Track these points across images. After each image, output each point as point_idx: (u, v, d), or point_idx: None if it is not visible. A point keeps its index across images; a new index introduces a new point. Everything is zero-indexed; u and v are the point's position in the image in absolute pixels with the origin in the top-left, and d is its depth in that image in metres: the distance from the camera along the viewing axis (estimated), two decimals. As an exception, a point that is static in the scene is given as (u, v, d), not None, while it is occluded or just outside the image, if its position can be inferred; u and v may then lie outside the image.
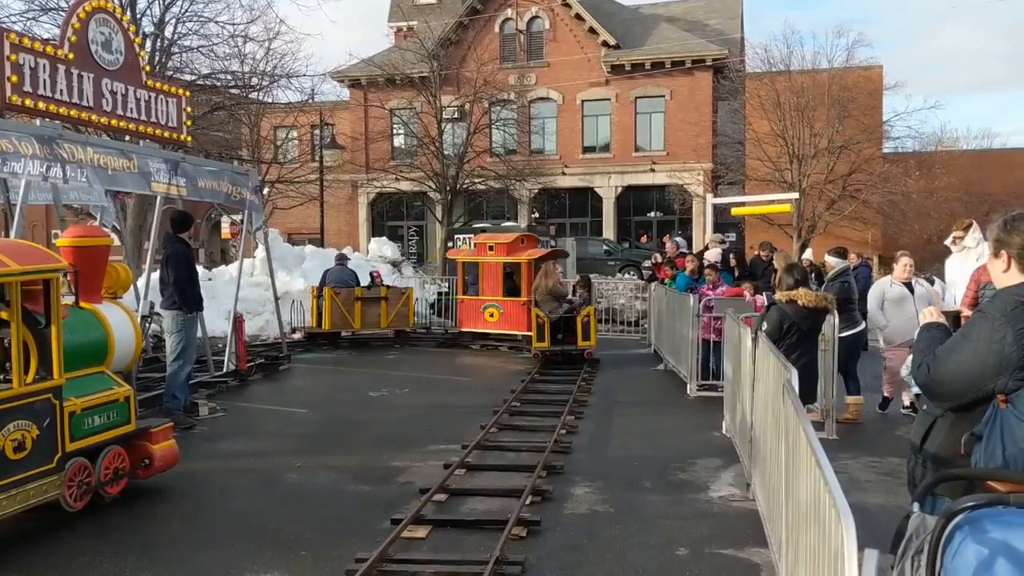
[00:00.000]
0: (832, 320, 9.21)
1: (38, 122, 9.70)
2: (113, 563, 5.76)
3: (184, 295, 10.24)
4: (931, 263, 29.93)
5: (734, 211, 28.85)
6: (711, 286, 12.52)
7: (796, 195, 29.51)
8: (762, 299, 11.82)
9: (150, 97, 11.54)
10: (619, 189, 38.04)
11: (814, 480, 3.37)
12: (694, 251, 18.60)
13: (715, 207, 25.98)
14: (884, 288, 10.22)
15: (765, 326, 7.58)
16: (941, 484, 3.14)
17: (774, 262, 12.95)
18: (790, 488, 4.28)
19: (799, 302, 7.68)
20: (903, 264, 10.21)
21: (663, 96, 37.10)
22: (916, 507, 2.97)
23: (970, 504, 2.57)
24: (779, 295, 7.96)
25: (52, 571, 5.61)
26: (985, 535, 2.45)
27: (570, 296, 15.33)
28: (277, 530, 6.41)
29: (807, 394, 7.86)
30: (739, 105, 36.26)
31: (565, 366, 13.98)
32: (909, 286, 10.08)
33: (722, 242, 16.02)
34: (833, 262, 10.54)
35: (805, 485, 3.68)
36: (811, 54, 36.19)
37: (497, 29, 38.64)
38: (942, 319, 3.68)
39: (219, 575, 5.58)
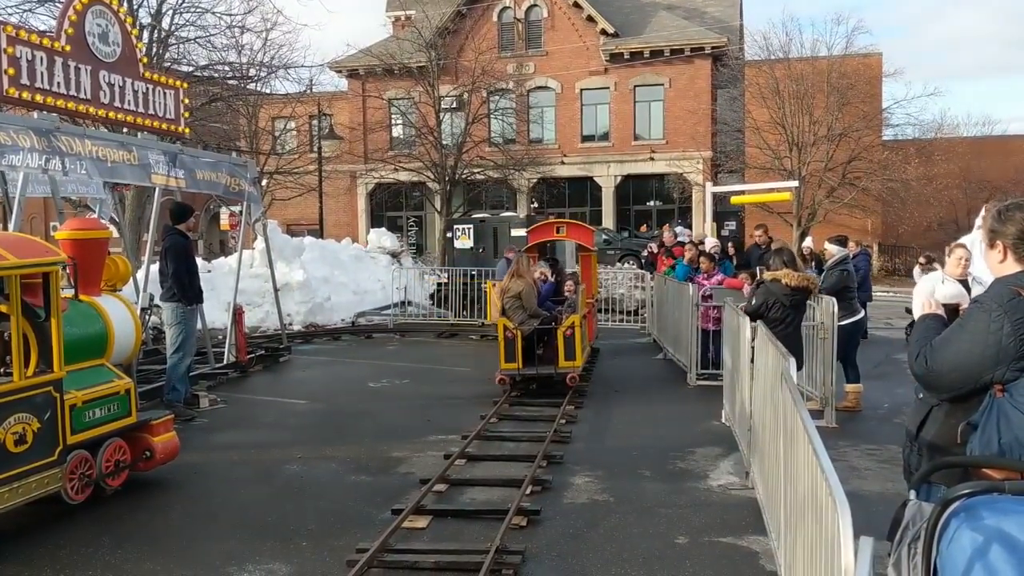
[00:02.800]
0: (832, 308, 9.26)
1: (35, 115, 9.69)
2: (114, 555, 5.78)
3: (183, 287, 10.24)
4: (932, 251, 30.01)
5: (734, 200, 28.86)
6: (706, 275, 12.53)
7: (796, 183, 29.51)
8: None
9: (148, 89, 11.52)
10: (618, 178, 38.01)
11: (811, 469, 3.38)
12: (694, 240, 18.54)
13: (715, 196, 25.97)
14: (934, 286, 8.99)
15: (752, 301, 8.31)
16: (937, 472, 3.14)
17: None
18: (788, 476, 4.29)
19: (783, 281, 8.29)
20: (957, 257, 8.01)
21: (662, 84, 37.04)
22: (913, 495, 2.99)
23: (966, 491, 2.58)
24: (766, 275, 8.53)
25: (54, 563, 5.64)
26: (981, 522, 2.46)
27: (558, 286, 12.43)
28: (278, 521, 6.43)
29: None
30: (738, 93, 36.21)
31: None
32: (966, 284, 7.47)
33: (700, 243, 15.86)
34: (834, 250, 10.53)
35: (803, 474, 3.69)
36: (810, 41, 36.39)
37: (495, 18, 38.55)
38: (940, 311, 3.67)
39: (220, 566, 5.60)
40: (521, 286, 10.77)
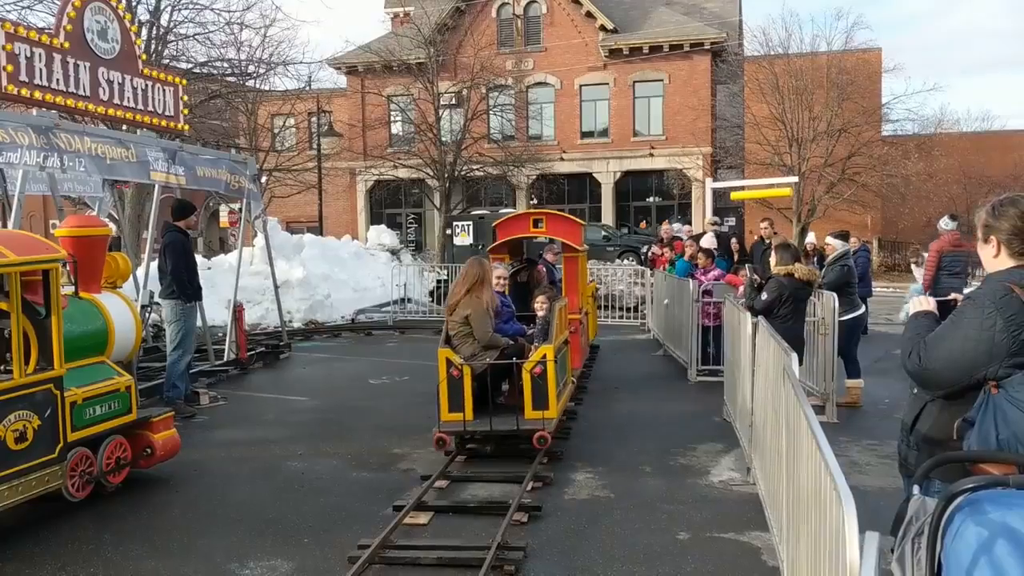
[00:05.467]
0: (833, 304, 9.26)
1: (34, 112, 9.67)
2: (116, 552, 5.78)
3: (182, 284, 10.23)
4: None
5: (734, 195, 28.81)
6: (703, 271, 12.50)
7: (795, 179, 29.50)
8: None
9: (147, 86, 11.51)
10: (618, 174, 38.00)
11: (815, 464, 3.38)
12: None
13: (714, 191, 25.91)
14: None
15: (765, 296, 8.24)
16: (937, 468, 3.14)
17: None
18: (791, 472, 4.28)
19: (796, 275, 8.37)
20: None
21: (661, 80, 37.02)
22: (916, 490, 2.98)
23: (970, 486, 2.57)
24: (778, 269, 8.50)
25: (55, 560, 5.63)
26: (985, 516, 2.45)
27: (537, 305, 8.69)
28: (279, 518, 6.43)
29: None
30: (738, 89, 36.20)
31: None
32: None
33: (716, 223, 15.76)
34: (836, 244, 10.51)
35: (806, 469, 3.68)
36: (810, 37, 36.48)
37: (494, 14, 38.52)
38: (933, 308, 3.66)
39: (222, 563, 5.59)
40: (470, 306, 7.80)
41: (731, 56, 36.64)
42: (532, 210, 12.14)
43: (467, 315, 7.81)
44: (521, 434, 7.52)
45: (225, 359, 12.97)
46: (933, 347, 3.33)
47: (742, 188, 28.33)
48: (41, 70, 9.64)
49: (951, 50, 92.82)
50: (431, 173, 34.25)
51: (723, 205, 31.86)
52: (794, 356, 4.79)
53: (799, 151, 32.79)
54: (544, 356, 7.69)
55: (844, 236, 10.84)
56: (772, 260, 8.80)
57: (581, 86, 38.06)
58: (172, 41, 23.10)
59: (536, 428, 7.41)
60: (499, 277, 8.77)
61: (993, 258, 3.38)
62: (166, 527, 6.33)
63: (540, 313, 8.58)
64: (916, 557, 2.71)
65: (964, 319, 3.28)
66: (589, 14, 37.16)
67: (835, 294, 9.42)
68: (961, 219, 13.70)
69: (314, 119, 34.24)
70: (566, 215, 11.04)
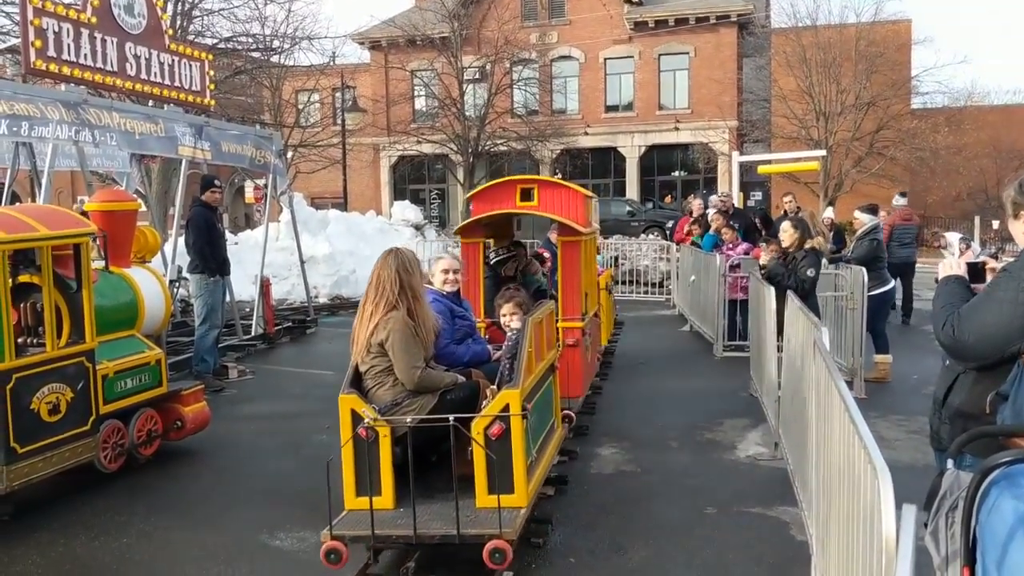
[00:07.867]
0: (862, 278, 9.20)
1: (63, 87, 9.73)
2: (147, 523, 5.86)
3: (204, 258, 10.30)
4: (959, 222, 29.60)
5: (760, 169, 28.56)
6: (730, 245, 12.41)
7: (823, 152, 29.16)
8: None
9: (173, 61, 11.54)
10: (643, 148, 37.74)
11: (847, 437, 3.36)
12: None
13: (741, 165, 25.70)
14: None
15: (812, 272, 8.35)
16: (971, 442, 3.12)
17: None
18: (821, 445, 4.26)
19: (821, 249, 8.76)
20: None
21: (687, 53, 36.65)
22: (951, 464, 2.96)
23: (1006, 459, 2.54)
24: (812, 243, 8.65)
25: (89, 531, 5.72)
26: (1021, 490, 2.43)
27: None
28: (307, 490, 6.46)
29: None
30: (764, 62, 35.79)
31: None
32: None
33: (726, 197, 15.61)
34: (864, 219, 10.40)
35: (838, 442, 3.66)
36: (838, 8, 36.00)
37: (518, -14, 38.20)
38: (961, 271, 3.63)
39: (251, 534, 5.66)
40: (389, 326, 4.92)
41: (758, 28, 36.19)
42: (520, 177, 9.00)
43: (382, 340, 4.93)
44: (463, 540, 4.50)
45: (253, 333, 13.08)
46: (967, 319, 3.31)
47: (769, 162, 28.07)
48: (69, 45, 9.67)
49: (983, 21, 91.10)
50: (455, 148, 34.19)
51: (750, 179, 31.63)
52: (824, 329, 4.76)
53: (827, 124, 32.41)
54: (511, 401, 4.76)
55: (873, 210, 10.73)
56: (787, 234, 8.74)
57: (606, 59, 37.75)
58: (197, 16, 23.16)
59: (488, 532, 4.47)
60: (446, 271, 5.93)
61: (1023, 233, 3.36)
62: (196, 499, 6.41)
63: (509, 328, 5.99)
64: (950, 531, 2.69)
65: (999, 291, 3.26)
66: (614, -14, 36.80)
67: (864, 268, 9.33)
68: (909, 196, 15.57)
69: (338, 94, 34.24)
70: (566, 183, 8.35)
